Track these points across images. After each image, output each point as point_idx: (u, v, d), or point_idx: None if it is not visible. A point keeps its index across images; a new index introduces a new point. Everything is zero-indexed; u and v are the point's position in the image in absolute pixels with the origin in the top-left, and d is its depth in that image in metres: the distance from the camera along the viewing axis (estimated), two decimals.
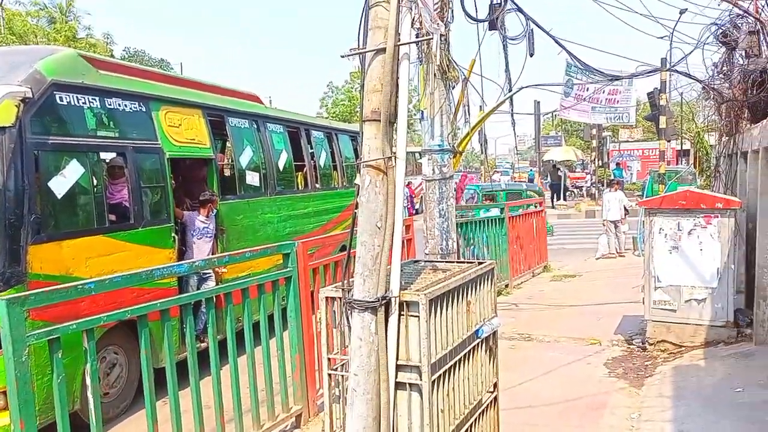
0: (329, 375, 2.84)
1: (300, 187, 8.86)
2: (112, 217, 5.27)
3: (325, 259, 5.18)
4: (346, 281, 2.70)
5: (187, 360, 3.75)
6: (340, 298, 2.79)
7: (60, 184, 4.71)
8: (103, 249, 4.99)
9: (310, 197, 8.79)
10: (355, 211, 2.67)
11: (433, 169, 5.94)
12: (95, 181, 5.10)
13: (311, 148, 9.12)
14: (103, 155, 5.44)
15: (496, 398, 3.40)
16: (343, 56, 2.62)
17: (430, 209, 6.06)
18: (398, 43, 2.60)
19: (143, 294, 5.05)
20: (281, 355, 4.49)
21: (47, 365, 3.82)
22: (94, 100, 5.15)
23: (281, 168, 8.04)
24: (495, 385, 3.39)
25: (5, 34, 19.62)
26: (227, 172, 7.93)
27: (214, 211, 6.45)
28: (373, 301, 2.50)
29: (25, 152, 4.38)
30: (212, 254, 6.34)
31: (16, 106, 4.33)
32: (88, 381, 3.15)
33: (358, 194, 2.65)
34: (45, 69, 4.72)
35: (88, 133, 5.04)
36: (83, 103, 5.04)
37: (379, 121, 2.58)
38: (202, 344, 5.55)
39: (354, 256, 2.70)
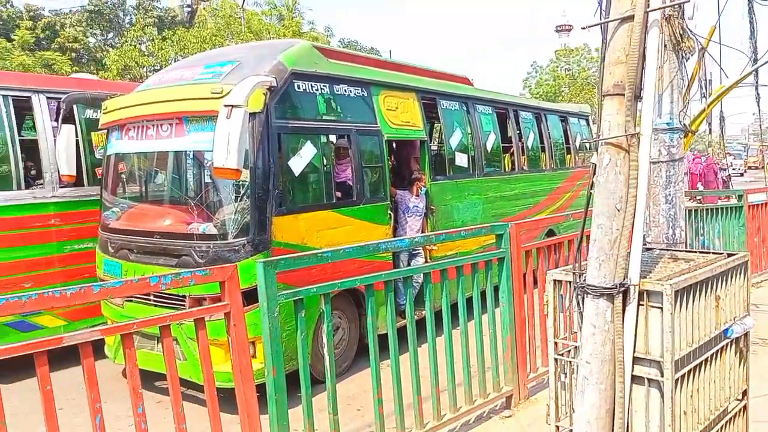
0: (555, 360, 2.76)
1: (507, 168, 8.75)
2: (338, 194, 5.75)
3: (538, 243, 5.06)
4: (577, 264, 2.58)
5: (395, 329, 3.94)
6: (569, 282, 2.68)
7: (297, 164, 5.25)
8: (331, 222, 5.47)
9: (517, 179, 8.64)
10: (591, 191, 2.53)
11: (660, 150, 5.40)
12: (325, 161, 5.59)
13: (519, 129, 8.94)
14: (331, 137, 5.94)
15: (745, 407, 3.00)
16: (583, 27, 2.48)
17: (654, 194, 5.55)
18: (648, 9, 2.38)
19: (363, 265, 5.44)
20: (493, 334, 4.51)
21: (285, 322, 4.34)
22: (325, 86, 5.62)
23: (489, 149, 8.02)
24: (744, 393, 2.99)
25: (245, 32, 22.54)
26: (438, 153, 8.14)
27: (424, 189, 6.67)
28: (609, 288, 2.36)
29: (271, 135, 4.95)
30: (422, 232, 6.59)
31: (264, 93, 4.88)
32: (324, 340, 3.49)
33: (594, 173, 2.50)
34: (286, 60, 5.27)
35: (319, 117, 5.53)
36: (316, 89, 5.53)
37: (623, 95, 2.40)
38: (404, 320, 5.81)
39: (586, 238, 2.57)
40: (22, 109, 6.17)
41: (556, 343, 2.80)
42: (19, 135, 6.02)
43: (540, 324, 4.80)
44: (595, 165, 2.51)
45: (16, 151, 5.87)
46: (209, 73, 5.33)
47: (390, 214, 6.20)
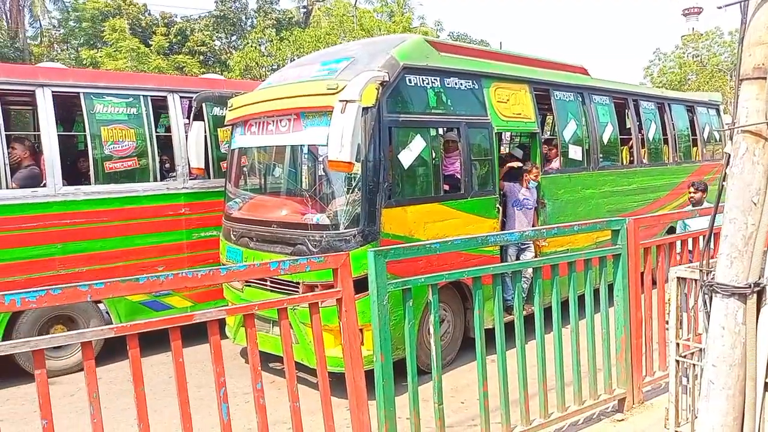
0: (677, 361, 2.60)
1: (625, 162, 8.30)
2: (446, 187, 5.75)
3: (658, 240, 4.77)
4: (705, 261, 2.41)
5: (503, 324, 3.88)
6: (694, 280, 2.51)
7: (407, 157, 5.32)
8: (438, 215, 5.49)
9: (636, 173, 8.17)
10: (723, 183, 2.35)
11: None
12: (434, 154, 5.61)
13: (639, 120, 8.44)
14: (441, 130, 5.96)
15: None
16: (720, 6, 2.30)
17: None
18: None
19: (469, 259, 5.42)
20: (606, 334, 4.32)
21: (392, 312, 4.42)
22: (436, 80, 5.63)
23: (605, 141, 7.65)
24: None
25: (357, 29, 23.14)
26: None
27: (534, 183, 6.50)
28: (742, 287, 2.18)
29: (382, 128, 5.05)
30: (531, 226, 6.43)
31: (376, 89, 4.95)
32: (431, 329, 3.52)
33: (727, 164, 2.32)
34: (398, 54, 5.34)
35: (429, 110, 5.55)
36: (426, 83, 5.55)
37: (764, 78, 2.20)
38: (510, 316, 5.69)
39: (715, 234, 2.39)
40: (158, 108, 6.77)
41: (677, 344, 2.64)
42: (156, 131, 6.61)
43: (658, 325, 4.53)
44: (729, 155, 2.32)
45: (153, 146, 6.46)
46: (325, 69, 5.53)
47: (498, 207, 6.11)
